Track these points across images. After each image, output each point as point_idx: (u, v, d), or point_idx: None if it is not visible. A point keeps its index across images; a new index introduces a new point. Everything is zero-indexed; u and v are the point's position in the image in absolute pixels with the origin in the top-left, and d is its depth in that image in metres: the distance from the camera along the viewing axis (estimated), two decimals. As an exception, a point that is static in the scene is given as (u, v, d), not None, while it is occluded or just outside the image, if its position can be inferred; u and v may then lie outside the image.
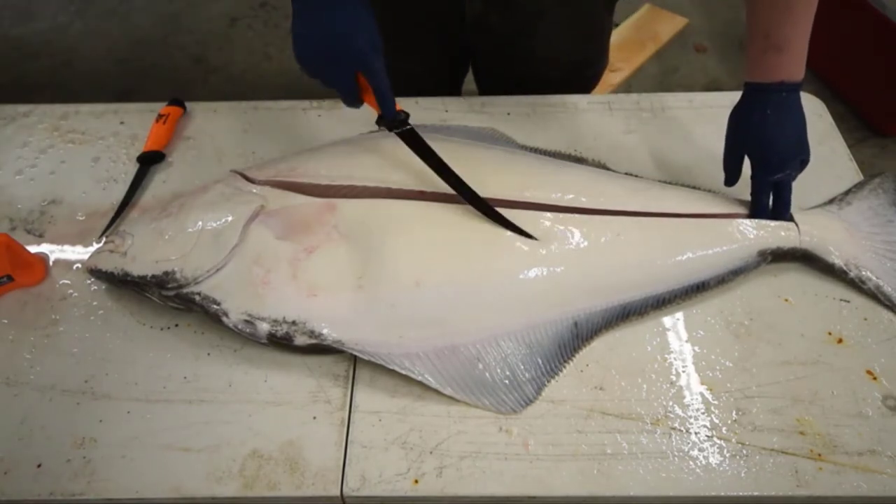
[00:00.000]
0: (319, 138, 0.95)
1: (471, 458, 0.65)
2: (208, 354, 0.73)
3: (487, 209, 0.74)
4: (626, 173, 0.87)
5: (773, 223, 0.79)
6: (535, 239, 0.74)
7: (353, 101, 0.75)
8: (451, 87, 1.16)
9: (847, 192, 0.85)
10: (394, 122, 0.75)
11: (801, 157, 0.78)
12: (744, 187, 0.81)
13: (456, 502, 0.64)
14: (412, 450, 0.66)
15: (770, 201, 0.80)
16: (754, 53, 0.76)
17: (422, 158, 0.76)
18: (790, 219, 0.80)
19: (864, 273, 0.77)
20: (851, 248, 0.79)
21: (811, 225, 0.79)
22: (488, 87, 1.14)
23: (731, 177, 0.82)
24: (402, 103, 0.75)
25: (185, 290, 0.72)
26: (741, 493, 0.63)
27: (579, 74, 1.10)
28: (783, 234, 0.79)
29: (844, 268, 0.78)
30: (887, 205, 0.84)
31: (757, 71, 0.76)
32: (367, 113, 0.75)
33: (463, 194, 0.74)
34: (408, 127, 0.76)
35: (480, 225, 0.75)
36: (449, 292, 0.72)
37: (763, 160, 0.78)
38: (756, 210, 0.80)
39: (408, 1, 0.96)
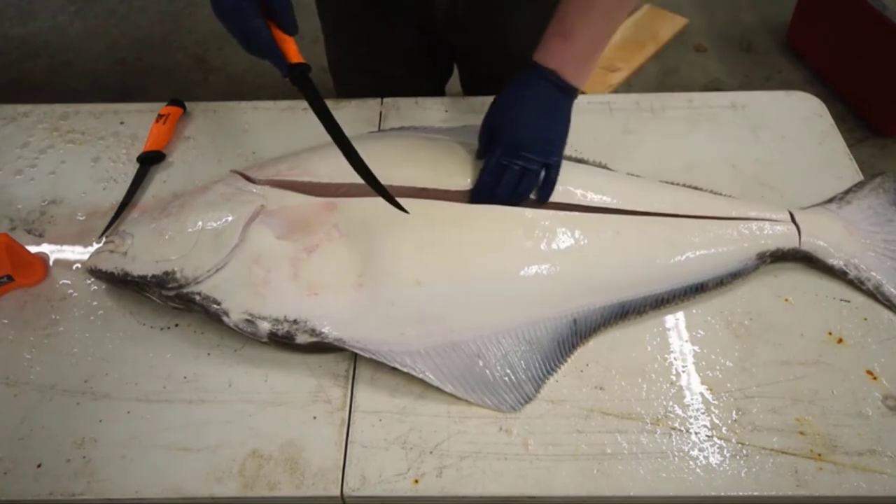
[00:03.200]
0: (319, 138, 0.94)
1: (471, 458, 0.65)
2: (208, 354, 0.73)
3: (369, 176, 0.71)
4: (626, 173, 0.87)
5: (772, 222, 0.79)
6: (407, 212, 0.69)
7: (259, 41, 0.68)
8: (435, 89, 1.15)
9: (847, 192, 0.85)
10: (296, 72, 0.72)
11: (542, 159, 0.75)
12: (745, 189, 0.81)
13: (456, 502, 0.64)
14: (412, 450, 0.66)
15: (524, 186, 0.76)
16: (546, 35, 0.76)
17: (312, 109, 0.73)
18: (789, 218, 0.80)
19: (863, 273, 0.77)
20: (851, 248, 0.79)
21: (811, 225, 0.79)
22: (471, 87, 1.13)
23: (480, 148, 0.80)
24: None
25: (185, 290, 0.72)
26: (741, 493, 0.63)
27: None
28: (783, 234, 0.79)
29: (844, 268, 0.78)
30: (887, 204, 0.84)
31: (540, 51, 0.76)
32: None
33: (346, 154, 0.72)
34: (301, 74, 0.72)
35: (480, 223, 0.75)
36: (449, 290, 0.72)
37: (499, 136, 0.76)
38: (477, 187, 0.77)
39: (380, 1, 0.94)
